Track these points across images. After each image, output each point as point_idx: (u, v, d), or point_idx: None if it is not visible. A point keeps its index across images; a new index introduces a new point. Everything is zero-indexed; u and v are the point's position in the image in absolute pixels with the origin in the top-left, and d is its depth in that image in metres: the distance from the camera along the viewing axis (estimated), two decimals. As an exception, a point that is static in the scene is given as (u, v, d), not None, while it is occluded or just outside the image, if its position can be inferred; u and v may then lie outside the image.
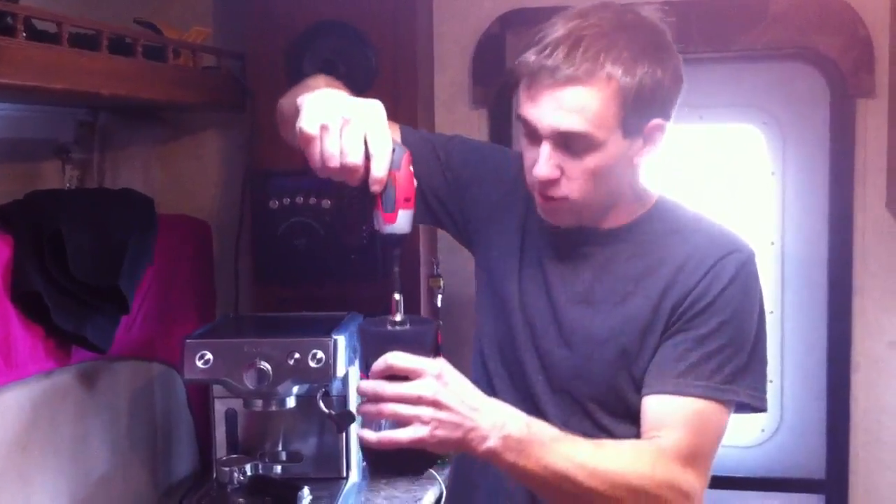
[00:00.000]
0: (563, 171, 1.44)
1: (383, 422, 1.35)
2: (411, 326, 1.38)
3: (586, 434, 1.43)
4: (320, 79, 1.59)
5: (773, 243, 2.48)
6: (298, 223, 2.25)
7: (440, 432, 1.29)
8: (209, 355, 1.86)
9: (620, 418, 1.52)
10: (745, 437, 2.50)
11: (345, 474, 2.06)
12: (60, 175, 2.09)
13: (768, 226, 2.49)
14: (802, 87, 2.43)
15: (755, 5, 2.34)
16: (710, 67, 2.46)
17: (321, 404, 1.94)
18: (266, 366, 1.85)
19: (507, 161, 1.72)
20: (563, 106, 1.39)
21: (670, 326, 1.48)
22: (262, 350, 1.86)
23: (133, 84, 1.90)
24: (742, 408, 1.48)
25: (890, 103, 2.32)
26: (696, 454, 1.42)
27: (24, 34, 1.59)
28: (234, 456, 2.02)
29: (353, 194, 2.19)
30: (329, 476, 2.05)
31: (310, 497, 1.94)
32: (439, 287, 2.38)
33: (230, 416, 2.05)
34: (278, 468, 2.03)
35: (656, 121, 1.45)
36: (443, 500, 1.92)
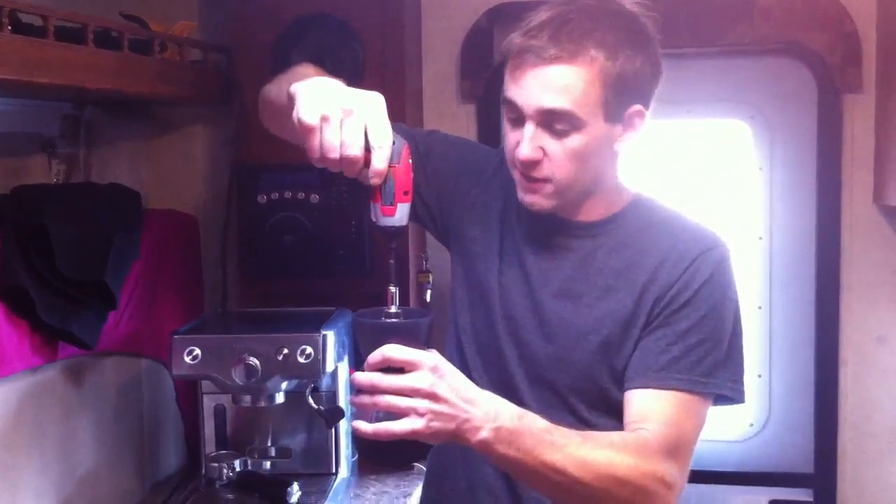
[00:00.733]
0: (545, 153, 1.47)
1: (377, 413, 1.35)
2: (406, 318, 1.38)
3: (567, 426, 1.44)
4: (308, 67, 1.58)
5: (760, 238, 2.49)
6: (286, 218, 2.25)
7: (435, 424, 1.30)
8: (197, 351, 1.85)
9: (601, 411, 1.54)
10: (734, 431, 2.51)
11: (334, 470, 2.05)
12: (46, 170, 2.07)
13: (756, 221, 2.49)
14: (790, 83, 2.44)
15: (742, 1, 2.34)
16: (698, 62, 2.46)
17: (310, 400, 1.93)
18: (255, 361, 1.84)
19: (486, 156, 1.74)
20: (547, 84, 1.43)
21: (651, 321, 1.51)
22: (250, 345, 1.85)
23: (119, 78, 1.89)
24: (721, 399, 1.51)
25: (877, 98, 2.33)
26: (678, 445, 1.45)
27: (10, 28, 1.57)
28: (223, 452, 2.02)
29: (343, 189, 2.21)
30: (318, 472, 2.05)
31: (299, 493, 1.93)
32: (428, 282, 2.38)
33: (219, 412, 2.04)
34: (267, 464, 2.02)
35: (636, 107, 1.49)
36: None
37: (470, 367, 1.63)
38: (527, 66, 1.44)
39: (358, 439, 1.39)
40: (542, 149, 1.47)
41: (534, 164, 1.48)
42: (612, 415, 1.52)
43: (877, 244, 2.38)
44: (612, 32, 1.44)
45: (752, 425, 2.50)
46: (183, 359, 1.85)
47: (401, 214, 1.37)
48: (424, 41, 2.50)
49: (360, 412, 1.35)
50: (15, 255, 1.75)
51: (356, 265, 2.25)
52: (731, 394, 1.50)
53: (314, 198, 2.23)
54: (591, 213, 1.58)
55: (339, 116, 1.31)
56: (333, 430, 2.03)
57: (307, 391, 1.94)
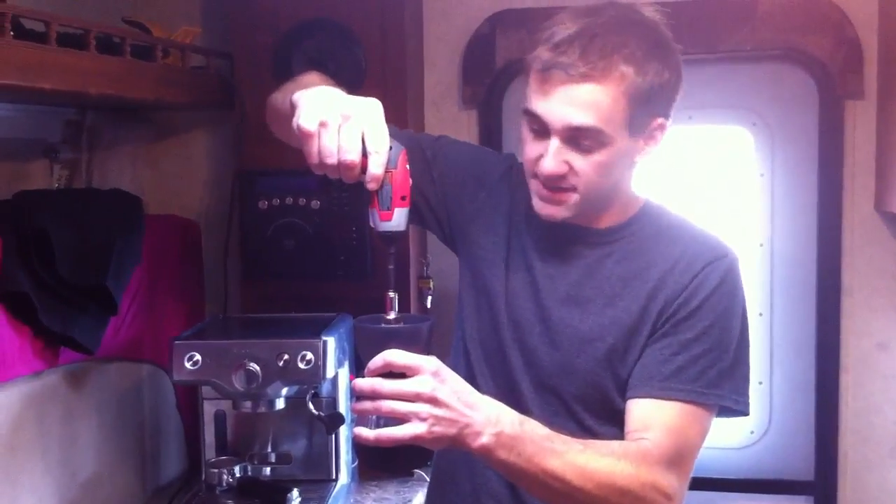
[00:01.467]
0: (570, 167, 1.47)
1: (375, 418, 1.35)
2: (405, 323, 1.38)
3: (569, 434, 1.45)
4: (314, 75, 1.60)
5: (761, 245, 2.48)
6: (287, 223, 2.25)
7: (437, 429, 1.30)
8: (198, 356, 1.85)
9: (604, 419, 1.53)
10: (734, 438, 2.50)
11: (334, 476, 2.05)
12: (48, 175, 2.07)
13: (757, 227, 2.49)
14: (791, 89, 2.43)
15: (743, 6, 2.34)
16: (699, 68, 2.45)
17: (311, 406, 1.93)
18: (255, 367, 1.84)
19: (493, 161, 1.74)
20: (576, 101, 1.42)
21: (657, 330, 1.50)
22: (251, 351, 1.85)
23: (121, 83, 1.89)
24: (725, 412, 1.50)
25: (878, 105, 2.33)
26: (679, 456, 1.44)
27: (12, 33, 1.58)
28: (223, 458, 2.01)
29: (343, 194, 2.22)
30: (318, 478, 2.05)
31: (299, 499, 1.93)
32: (429, 288, 2.38)
33: (219, 418, 2.04)
34: (267, 470, 2.02)
35: (659, 120, 1.49)
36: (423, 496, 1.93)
37: (475, 372, 1.63)
38: (555, 81, 1.43)
39: (358, 446, 1.39)
40: (567, 163, 1.46)
41: (557, 177, 1.48)
42: (616, 423, 1.51)
43: (878, 250, 2.38)
44: (641, 46, 1.43)
45: (752, 432, 2.50)
46: (183, 364, 1.85)
47: (398, 219, 1.37)
48: (426, 46, 2.50)
49: (362, 418, 1.35)
50: (16, 260, 1.76)
51: (357, 270, 2.25)
52: (734, 406, 1.49)
53: (315, 203, 2.23)
54: (605, 221, 1.58)
55: (338, 122, 1.32)
56: (334, 436, 2.03)
57: (307, 397, 1.94)
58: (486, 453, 1.34)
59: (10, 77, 1.56)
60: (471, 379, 1.61)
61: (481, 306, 1.64)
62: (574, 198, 1.49)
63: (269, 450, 2.05)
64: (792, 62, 2.40)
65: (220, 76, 2.32)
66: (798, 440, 2.49)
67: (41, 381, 1.87)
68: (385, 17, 2.26)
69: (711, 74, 2.47)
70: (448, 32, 2.49)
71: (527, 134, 1.51)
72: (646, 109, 1.46)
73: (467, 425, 1.32)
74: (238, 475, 1.96)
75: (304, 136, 1.33)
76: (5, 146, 1.96)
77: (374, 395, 1.32)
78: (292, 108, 1.39)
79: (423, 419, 1.30)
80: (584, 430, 1.52)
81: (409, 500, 2.10)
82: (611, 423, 1.52)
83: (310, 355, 1.85)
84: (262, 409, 1.92)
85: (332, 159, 1.32)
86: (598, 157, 1.45)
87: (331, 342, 1.89)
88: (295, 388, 1.94)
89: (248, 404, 1.91)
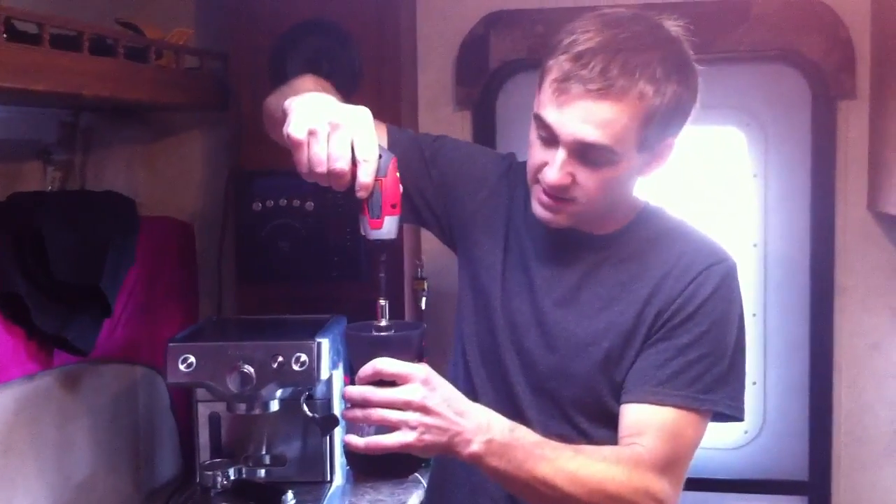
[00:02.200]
0: (574, 179, 1.45)
1: (367, 426, 1.35)
2: (397, 331, 1.38)
3: (565, 437, 1.45)
4: (308, 79, 1.60)
5: (755, 245, 2.49)
6: (282, 225, 2.24)
7: (427, 437, 1.30)
8: (192, 358, 1.85)
9: (599, 423, 1.53)
10: (728, 438, 2.50)
11: (329, 478, 2.05)
12: (42, 176, 2.07)
13: (750, 227, 2.49)
14: (784, 89, 2.44)
15: (737, 7, 2.35)
16: (693, 69, 2.46)
17: (305, 408, 1.93)
18: (249, 369, 1.84)
19: (493, 161, 1.73)
20: (590, 118, 1.39)
21: (652, 334, 1.49)
22: (245, 353, 1.85)
23: (115, 85, 1.89)
24: (719, 417, 1.49)
25: (871, 105, 2.34)
26: (671, 462, 1.44)
27: (5, 35, 1.58)
28: (218, 460, 2.01)
29: (338, 196, 2.21)
30: (313, 480, 2.05)
31: (294, 500, 1.94)
32: (423, 289, 2.38)
33: (213, 420, 2.04)
34: (262, 472, 2.02)
35: (670, 139, 1.49)
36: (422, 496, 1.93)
37: (472, 373, 1.62)
38: (572, 94, 1.39)
39: (349, 454, 1.38)
40: (572, 175, 1.45)
41: (561, 188, 1.46)
42: (611, 426, 1.51)
43: (871, 250, 2.39)
44: (663, 65, 1.40)
45: (746, 432, 2.50)
46: (177, 366, 1.85)
47: (389, 227, 1.37)
48: (420, 47, 2.50)
49: (352, 426, 1.35)
50: (10, 262, 1.76)
51: (351, 271, 2.25)
52: (729, 411, 1.48)
53: (309, 205, 2.23)
54: (606, 226, 1.57)
55: (327, 131, 1.33)
56: (328, 437, 2.03)
57: (302, 399, 1.94)
58: (476, 461, 1.34)
59: (4, 79, 1.56)
60: (468, 380, 1.61)
61: (478, 307, 1.64)
62: (575, 208, 1.48)
63: (264, 452, 2.05)
64: (785, 63, 2.41)
65: (214, 77, 2.32)
66: (792, 440, 2.49)
67: (35, 383, 1.86)
68: (380, 18, 2.27)
69: (704, 75, 2.42)
70: (442, 33, 2.49)
71: (534, 139, 1.49)
72: (659, 130, 1.44)
73: (458, 433, 1.32)
74: (232, 477, 1.96)
75: (294, 145, 1.34)
76: (-1, 148, 1.96)
77: (365, 404, 1.32)
78: (284, 114, 1.39)
79: (413, 427, 1.30)
80: (579, 434, 1.52)
81: (404, 503, 2.10)
82: (606, 426, 1.52)
83: (304, 357, 1.85)
84: (257, 411, 1.92)
85: (321, 168, 1.33)
86: (605, 173, 1.44)
87: (325, 344, 1.89)
88: (289, 389, 1.94)
89: (242, 406, 1.91)
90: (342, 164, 1.32)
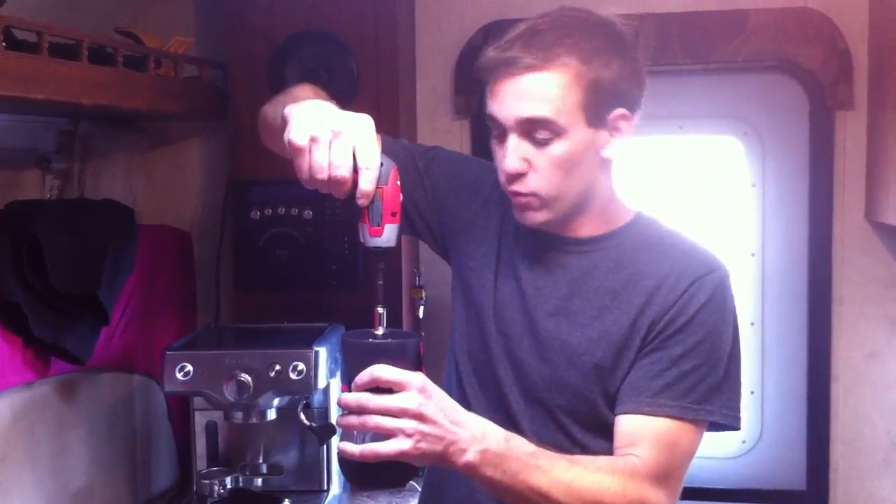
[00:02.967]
0: (530, 165, 1.46)
1: (363, 434, 1.34)
2: (393, 339, 1.38)
3: (559, 447, 1.44)
4: (306, 88, 1.60)
5: (753, 254, 2.49)
6: (280, 233, 2.25)
7: (423, 445, 1.30)
8: (189, 367, 1.85)
9: (593, 432, 1.52)
10: (726, 448, 2.50)
11: (326, 487, 2.05)
12: (41, 184, 2.07)
13: (748, 237, 2.50)
14: (782, 99, 2.44)
15: (735, 17, 2.36)
16: (691, 79, 2.47)
17: (302, 416, 1.93)
18: (247, 377, 1.84)
19: (486, 172, 1.73)
20: (523, 94, 1.43)
21: (646, 344, 1.49)
22: (242, 362, 1.85)
23: (114, 93, 1.89)
24: (716, 426, 1.49)
25: (868, 115, 2.34)
26: (667, 473, 1.43)
27: (4, 44, 1.58)
28: (215, 468, 2.01)
29: (336, 204, 2.22)
30: (310, 489, 2.05)
31: (291, 509, 1.94)
32: (421, 298, 2.38)
33: (210, 428, 2.04)
34: (259, 481, 2.02)
35: (619, 110, 1.48)
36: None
37: (465, 384, 1.62)
38: (502, 78, 1.45)
39: (343, 463, 1.38)
40: (528, 161, 1.46)
41: (519, 176, 1.47)
42: (605, 436, 1.50)
43: (868, 260, 2.39)
44: (586, 38, 1.44)
45: (744, 442, 2.50)
46: (175, 375, 1.85)
47: (388, 235, 1.37)
48: (419, 57, 2.50)
49: (348, 433, 1.35)
50: (8, 270, 1.76)
51: (349, 280, 2.25)
52: (725, 421, 1.48)
53: (307, 213, 2.23)
54: (587, 228, 1.56)
55: (328, 138, 1.32)
56: (325, 446, 2.03)
57: (299, 407, 1.93)
58: (471, 470, 1.33)
59: (3, 87, 1.56)
60: (460, 390, 1.61)
61: (471, 318, 1.64)
62: (538, 201, 1.49)
63: (261, 460, 2.05)
64: (783, 73, 2.41)
65: (213, 86, 2.32)
66: (790, 450, 2.49)
67: (32, 392, 1.86)
68: (378, 28, 2.27)
69: (703, 85, 2.48)
70: (440, 43, 2.49)
71: (493, 142, 1.52)
72: (600, 99, 1.45)
73: (453, 442, 1.31)
74: (229, 486, 1.96)
75: (295, 151, 1.33)
76: (-2, 156, 1.97)
77: (361, 411, 1.31)
78: (283, 121, 1.39)
79: (409, 435, 1.29)
80: (573, 443, 1.51)
81: (401, 511, 2.10)
82: (601, 435, 1.51)
83: (301, 366, 1.85)
84: (254, 420, 1.92)
85: (322, 175, 1.32)
86: (555, 149, 1.45)
87: (322, 353, 1.89)
88: (286, 398, 1.94)
89: (239, 415, 1.91)
90: (343, 172, 1.32)
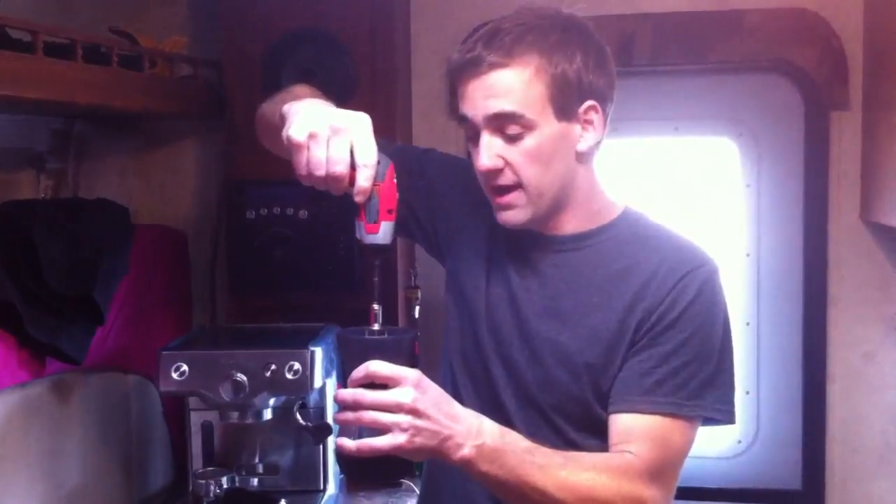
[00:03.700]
0: (505, 161, 1.48)
1: (358, 429, 1.35)
2: (390, 335, 1.38)
3: (553, 447, 1.44)
4: (303, 87, 1.61)
5: (748, 255, 2.49)
6: (275, 233, 2.24)
7: (418, 440, 1.30)
8: (185, 367, 1.85)
9: (587, 431, 1.53)
10: (722, 448, 2.50)
11: (322, 486, 2.05)
12: (35, 184, 2.07)
13: (743, 238, 2.50)
14: (777, 100, 2.44)
15: (730, 18, 2.36)
16: (685, 79, 2.47)
17: (298, 416, 1.93)
18: (242, 377, 1.83)
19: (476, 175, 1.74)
20: (489, 91, 1.45)
21: (636, 342, 1.49)
22: (238, 362, 1.85)
23: (108, 93, 1.89)
24: (710, 420, 1.49)
25: (863, 115, 2.35)
26: (661, 469, 1.44)
27: (-1, 43, 1.58)
28: (211, 468, 2.01)
29: (332, 203, 2.21)
30: (306, 488, 2.04)
31: (286, 509, 1.93)
32: (416, 298, 2.38)
33: (206, 428, 2.04)
34: (255, 481, 2.01)
35: (589, 103, 1.49)
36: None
37: (459, 385, 1.63)
38: (467, 78, 1.47)
39: (341, 459, 1.39)
40: (502, 157, 1.48)
41: (495, 174, 1.49)
42: (598, 434, 1.51)
43: (863, 260, 2.39)
44: (546, 34, 1.46)
45: (740, 442, 2.50)
46: (170, 374, 1.85)
47: (384, 233, 1.38)
48: (415, 57, 2.50)
49: (344, 429, 1.35)
50: (3, 271, 1.75)
51: (345, 280, 2.24)
52: (718, 415, 1.48)
53: (303, 213, 2.23)
54: (571, 224, 1.57)
55: (327, 134, 1.33)
56: (321, 446, 2.02)
57: (295, 407, 1.93)
58: (467, 465, 1.34)
59: (-3, 87, 1.56)
60: (454, 391, 1.61)
61: (464, 319, 1.65)
62: (520, 197, 1.50)
63: (257, 460, 2.05)
64: (778, 73, 2.42)
65: (208, 86, 2.32)
66: (785, 450, 2.49)
67: (27, 392, 1.86)
68: (374, 27, 2.27)
69: (698, 85, 2.48)
70: (436, 43, 2.49)
71: (470, 146, 1.53)
72: (567, 92, 1.46)
73: (449, 437, 1.32)
74: (225, 486, 1.95)
75: (294, 147, 1.34)
76: (-8, 156, 1.96)
77: (356, 406, 1.32)
78: (282, 119, 1.40)
79: (404, 430, 1.30)
80: (566, 443, 1.52)
81: (398, 511, 2.10)
82: (594, 434, 1.52)
83: (297, 366, 1.85)
84: (250, 420, 1.92)
85: (320, 171, 1.33)
86: (527, 143, 1.46)
87: (318, 352, 1.89)
88: (282, 398, 1.94)
89: (235, 415, 1.91)
90: (341, 168, 1.33)
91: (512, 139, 1.46)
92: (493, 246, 1.64)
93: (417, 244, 1.85)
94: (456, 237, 1.70)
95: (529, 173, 1.48)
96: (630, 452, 1.43)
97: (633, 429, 1.45)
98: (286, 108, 1.41)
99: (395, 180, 1.40)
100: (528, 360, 1.55)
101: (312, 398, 2.01)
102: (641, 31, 2.37)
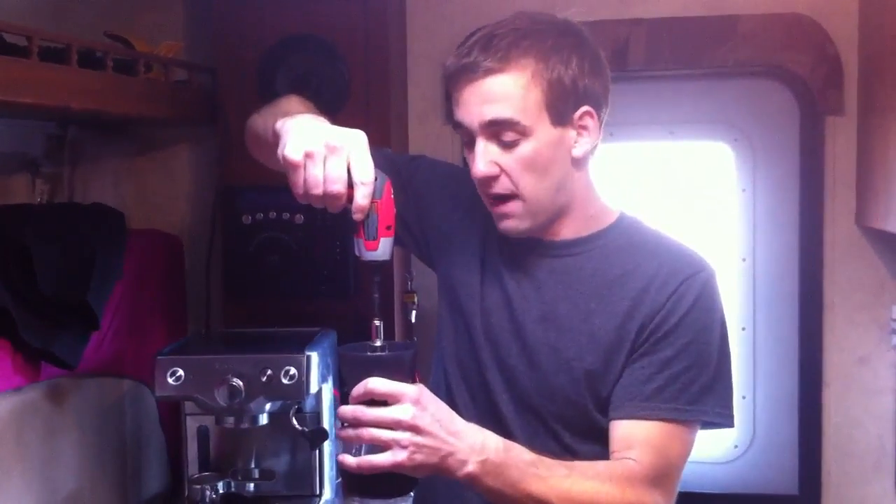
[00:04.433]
0: (501, 168, 1.48)
1: (363, 446, 1.35)
2: (390, 351, 1.38)
3: (550, 453, 1.45)
4: (293, 100, 1.61)
5: (743, 260, 2.50)
6: (271, 238, 2.24)
7: (418, 457, 1.31)
8: (180, 372, 1.84)
9: (584, 438, 1.53)
10: (718, 452, 2.51)
11: (318, 492, 2.04)
12: (30, 189, 2.07)
13: (739, 242, 2.50)
14: (772, 105, 2.45)
15: (725, 23, 2.36)
16: (681, 84, 2.48)
17: (294, 421, 1.92)
18: (238, 382, 1.83)
19: (468, 180, 1.73)
20: (484, 97, 1.45)
21: (636, 349, 1.50)
22: (234, 366, 1.84)
23: (103, 98, 1.89)
24: (709, 424, 1.50)
25: (859, 120, 2.35)
26: (663, 475, 1.45)
27: (-6, 48, 1.58)
28: (206, 473, 2.00)
29: (327, 210, 2.21)
30: (302, 494, 2.04)
31: (282, 515, 1.93)
32: (413, 302, 2.37)
33: (202, 434, 2.03)
34: (251, 486, 2.00)
35: (584, 108, 1.49)
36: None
37: (454, 392, 1.62)
38: (463, 84, 1.47)
39: (344, 473, 1.39)
40: (498, 164, 1.48)
41: (491, 180, 1.49)
42: (597, 441, 1.51)
43: (859, 265, 2.39)
44: (542, 39, 1.46)
45: (736, 446, 2.50)
46: (166, 380, 1.84)
47: (384, 249, 1.39)
48: (410, 63, 2.50)
49: (347, 445, 1.36)
50: (-3, 275, 1.75)
51: (341, 286, 2.24)
52: (718, 420, 1.49)
53: (299, 218, 2.23)
54: (568, 230, 1.57)
55: (323, 153, 1.33)
56: (317, 451, 2.02)
57: (291, 412, 1.93)
58: (472, 481, 1.35)
59: (-8, 91, 1.56)
60: (450, 398, 1.61)
61: (458, 325, 1.64)
62: (518, 206, 1.50)
63: (253, 465, 2.04)
64: (773, 79, 2.42)
65: (203, 91, 2.32)
66: (781, 454, 2.49)
67: (21, 397, 1.85)
68: (368, 33, 2.26)
69: (693, 90, 2.48)
70: (431, 48, 2.49)
71: (466, 153, 1.53)
72: (563, 97, 1.46)
73: (451, 453, 1.32)
74: (221, 491, 1.95)
75: (290, 167, 1.34)
76: (-14, 161, 1.96)
77: (356, 423, 1.32)
78: (275, 136, 1.40)
79: (404, 447, 1.31)
80: (564, 449, 1.52)
81: (394, 518, 2.09)
82: (592, 441, 1.52)
83: (293, 370, 1.84)
84: (246, 425, 1.91)
85: (317, 190, 1.33)
86: (522, 150, 1.46)
87: (314, 357, 1.88)
88: (278, 403, 1.93)
89: (231, 420, 1.90)
90: (339, 187, 1.33)
91: (507, 146, 1.46)
92: (486, 251, 1.63)
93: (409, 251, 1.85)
94: (448, 243, 1.69)
95: (525, 182, 1.48)
96: (632, 459, 1.43)
97: (635, 435, 1.45)
98: (279, 124, 1.40)
99: (392, 196, 1.40)
100: (526, 366, 1.54)
101: (308, 403, 2.00)
102: (636, 36, 2.37)
